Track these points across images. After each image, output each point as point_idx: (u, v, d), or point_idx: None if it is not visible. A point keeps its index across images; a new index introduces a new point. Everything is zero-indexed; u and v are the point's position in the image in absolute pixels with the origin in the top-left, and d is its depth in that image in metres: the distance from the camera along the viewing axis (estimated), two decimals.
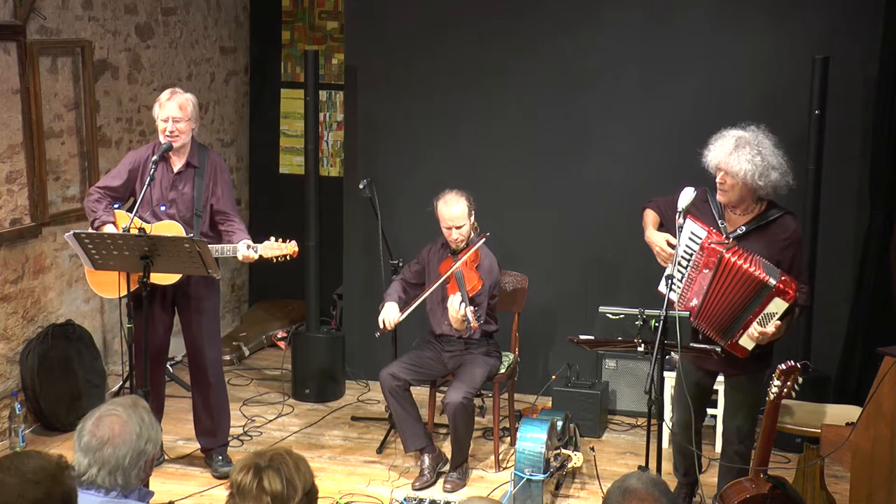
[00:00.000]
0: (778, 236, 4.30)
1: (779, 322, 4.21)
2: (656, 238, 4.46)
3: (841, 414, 4.85)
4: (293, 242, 4.97)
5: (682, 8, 6.10)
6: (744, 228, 4.31)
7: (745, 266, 4.17)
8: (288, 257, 4.96)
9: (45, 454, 2.38)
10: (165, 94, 5.01)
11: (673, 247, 4.36)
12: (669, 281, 4.20)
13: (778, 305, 4.20)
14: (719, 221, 4.34)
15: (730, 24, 6.05)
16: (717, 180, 4.27)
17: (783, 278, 4.19)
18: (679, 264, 4.33)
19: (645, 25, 6.15)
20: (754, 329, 4.21)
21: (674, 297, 4.31)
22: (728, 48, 6.04)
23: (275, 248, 4.91)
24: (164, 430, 5.30)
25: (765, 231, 4.31)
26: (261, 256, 4.91)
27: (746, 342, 4.28)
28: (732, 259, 4.18)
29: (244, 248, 4.89)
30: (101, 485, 2.64)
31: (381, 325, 5.23)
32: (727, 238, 4.28)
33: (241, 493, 2.41)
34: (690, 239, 4.29)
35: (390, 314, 5.23)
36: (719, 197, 4.32)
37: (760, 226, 4.31)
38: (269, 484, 2.39)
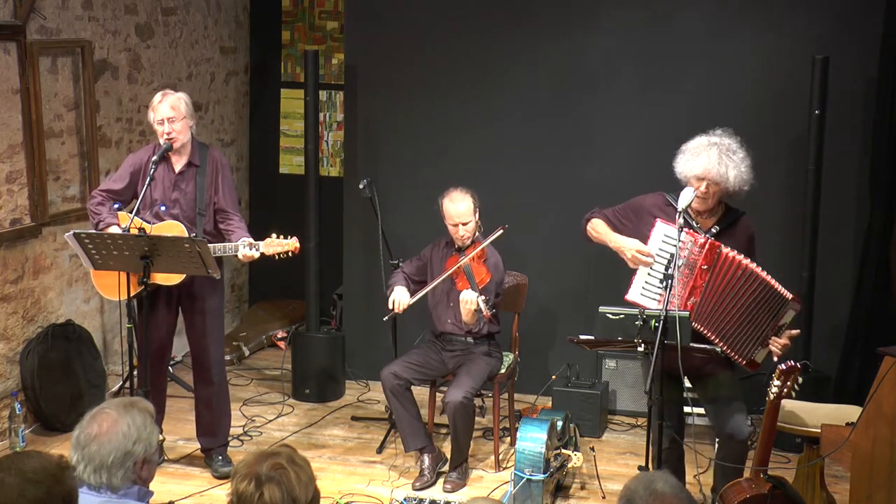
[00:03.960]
0: (743, 234, 4.37)
1: (792, 332, 4.28)
2: (628, 243, 4.42)
3: (841, 414, 4.85)
4: (294, 238, 4.97)
5: (681, 8, 6.10)
6: (717, 228, 4.36)
7: (746, 263, 4.21)
8: (290, 253, 4.96)
9: (45, 454, 2.38)
10: (157, 97, 5.00)
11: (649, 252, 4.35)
12: (669, 281, 4.18)
13: (789, 315, 4.28)
14: (693, 223, 4.36)
15: (730, 25, 6.05)
16: (700, 190, 4.26)
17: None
18: (652, 267, 4.31)
19: (645, 26, 6.15)
20: (776, 343, 4.26)
21: (648, 302, 4.30)
22: (728, 49, 6.04)
23: (276, 245, 4.91)
24: (165, 430, 5.31)
25: (731, 231, 4.37)
26: (262, 254, 4.91)
27: (760, 355, 4.32)
28: (731, 254, 4.21)
29: (245, 248, 4.89)
30: (89, 482, 2.64)
31: (392, 307, 5.22)
32: (705, 236, 4.30)
33: (241, 502, 2.42)
34: (665, 241, 4.29)
35: (401, 296, 5.23)
36: (697, 205, 4.31)
37: (727, 226, 4.37)
38: (270, 497, 2.39)
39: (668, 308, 4.09)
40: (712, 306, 4.25)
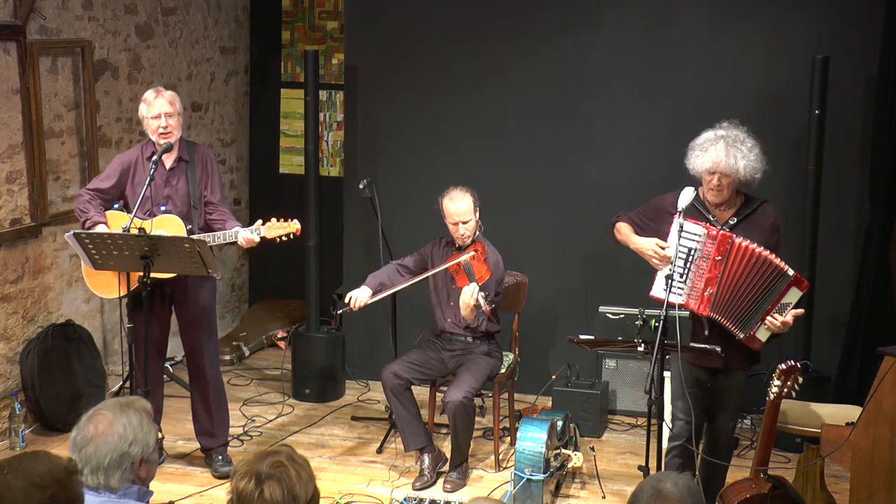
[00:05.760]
0: (763, 223, 4.38)
1: (796, 311, 4.27)
2: (646, 242, 4.47)
3: (841, 414, 4.86)
4: (295, 221, 4.96)
5: (682, 8, 6.10)
6: (735, 220, 4.38)
7: (759, 251, 4.23)
8: (291, 235, 4.94)
9: (54, 458, 2.37)
10: (150, 93, 4.99)
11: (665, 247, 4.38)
12: (670, 281, 4.21)
13: (793, 294, 4.26)
14: (709, 216, 4.39)
15: (730, 25, 6.05)
16: (713, 183, 4.30)
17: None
18: (676, 263, 4.33)
19: (645, 26, 6.15)
20: (773, 319, 4.25)
21: (673, 298, 4.31)
22: (728, 49, 6.04)
23: (277, 228, 4.90)
24: (165, 430, 5.31)
25: (750, 220, 4.39)
26: (263, 238, 4.90)
27: (763, 334, 4.31)
28: (745, 244, 4.24)
29: (245, 232, 4.87)
30: (87, 483, 2.64)
31: (347, 302, 5.24)
32: (722, 229, 4.32)
33: (241, 500, 2.41)
34: (682, 237, 4.30)
35: (360, 294, 5.24)
36: (713, 198, 4.36)
37: (746, 216, 4.39)
38: (270, 495, 2.39)
39: (668, 307, 4.11)
40: (730, 295, 4.27)
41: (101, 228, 4.90)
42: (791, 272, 4.23)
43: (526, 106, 6.32)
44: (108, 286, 4.94)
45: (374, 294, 5.26)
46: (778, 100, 5.97)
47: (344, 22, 7.03)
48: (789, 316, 4.27)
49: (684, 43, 6.10)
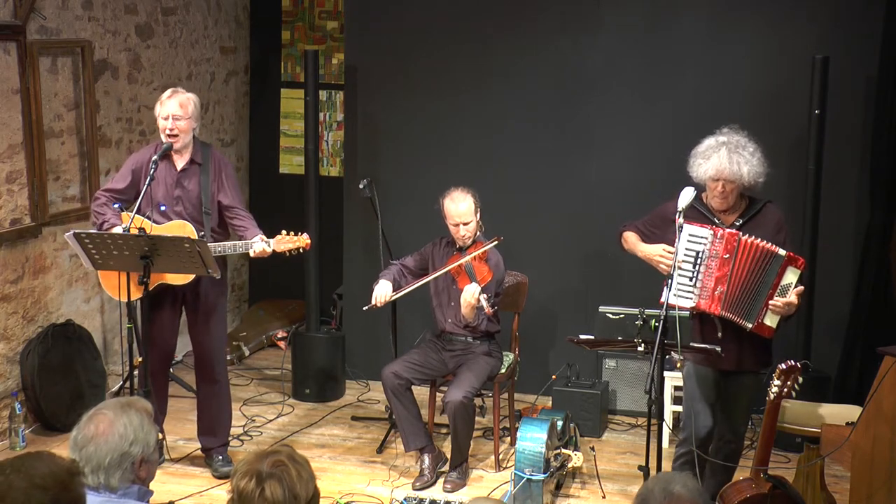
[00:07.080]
0: (768, 223, 4.41)
1: (798, 289, 4.27)
2: (653, 249, 4.49)
3: (841, 414, 4.86)
4: (305, 235, 4.97)
5: (682, 8, 6.10)
6: (740, 221, 4.40)
7: (763, 244, 4.26)
8: (301, 250, 4.96)
9: (57, 458, 2.36)
10: (167, 92, 5.03)
11: (672, 252, 4.38)
12: (670, 281, 4.21)
13: (792, 274, 4.27)
14: (715, 219, 4.41)
15: (730, 25, 6.05)
16: (718, 190, 4.33)
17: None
18: (681, 267, 4.33)
19: (645, 26, 6.15)
20: (776, 302, 4.26)
21: (685, 301, 4.31)
22: (728, 48, 6.04)
23: (287, 242, 4.91)
24: (165, 429, 5.31)
25: (755, 221, 4.41)
26: (274, 251, 4.91)
27: (771, 319, 4.32)
28: (751, 239, 4.27)
29: (258, 245, 4.88)
30: (87, 483, 2.63)
31: (373, 301, 5.24)
32: (723, 228, 4.34)
33: (242, 499, 2.41)
34: (690, 241, 4.31)
35: (382, 291, 5.25)
36: (718, 205, 4.39)
37: (751, 216, 4.41)
38: (272, 494, 2.39)
39: (669, 307, 4.11)
40: (740, 292, 4.29)
41: (118, 230, 4.89)
42: (783, 252, 4.26)
43: (526, 106, 6.32)
44: (126, 289, 4.89)
45: (393, 289, 5.28)
46: (778, 100, 5.97)
47: (344, 22, 7.03)
48: (792, 296, 4.28)
49: (684, 43, 6.10)
